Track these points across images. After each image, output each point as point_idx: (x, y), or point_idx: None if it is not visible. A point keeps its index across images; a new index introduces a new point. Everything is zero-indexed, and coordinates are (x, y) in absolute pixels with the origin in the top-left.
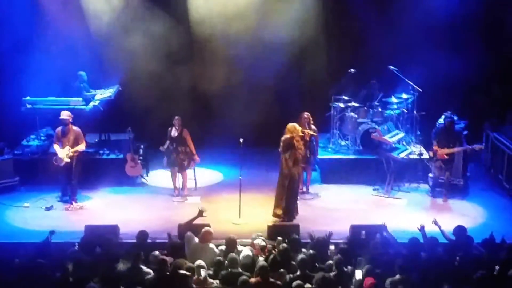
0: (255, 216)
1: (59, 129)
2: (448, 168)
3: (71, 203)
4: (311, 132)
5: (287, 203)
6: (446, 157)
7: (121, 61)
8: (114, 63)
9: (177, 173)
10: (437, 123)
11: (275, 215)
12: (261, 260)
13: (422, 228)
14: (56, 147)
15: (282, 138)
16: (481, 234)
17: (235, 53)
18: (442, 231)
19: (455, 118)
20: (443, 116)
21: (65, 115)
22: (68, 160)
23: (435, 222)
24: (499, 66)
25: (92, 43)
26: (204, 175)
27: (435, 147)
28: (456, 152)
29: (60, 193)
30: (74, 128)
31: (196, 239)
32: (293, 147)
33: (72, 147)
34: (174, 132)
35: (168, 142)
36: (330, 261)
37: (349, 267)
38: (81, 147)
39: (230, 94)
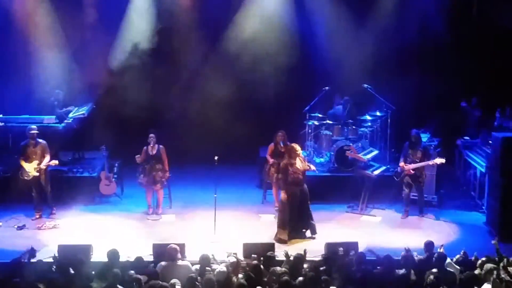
0: (231, 234)
1: (24, 143)
2: (416, 184)
3: (53, 212)
4: (310, 166)
5: (292, 224)
6: (412, 172)
7: (95, 79)
8: (88, 81)
9: (152, 192)
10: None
11: (278, 240)
12: (240, 277)
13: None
14: (22, 162)
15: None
16: (454, 251)
17: (211, 71)
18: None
19: (428, 135)
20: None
21: (35, 129)
22: (37, 174)
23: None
24: (472, 84)
25: (66, 60)
26: (179, 192)
27: (401, 164)
28: (421, 166)
29: (34, 210)
30: (41, 141)
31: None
32: (288, 171)
33: (40, 161)
34: (151, 150)
35: (141, 161)
36: (301, 278)
37: (323, 284)
38: (47, 160)
39: (205, 111)
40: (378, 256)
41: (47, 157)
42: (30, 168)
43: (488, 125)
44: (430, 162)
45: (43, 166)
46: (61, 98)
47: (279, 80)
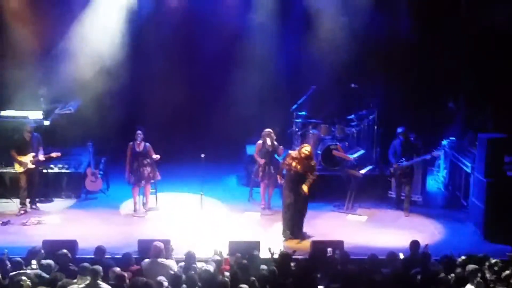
0: (217, 231)
1: (18, 137)
2: (407, 181)
3: (35, 206)
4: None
5: (294, 221)
6: (407, 170)
7: (83, 75)
8: (76, 77)
9: (138, 188)
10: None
11: (285, 235)
12: (226, 275)
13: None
14: (15, 155)
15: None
16: (439, 250)
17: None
18: None
19: (412, 135)
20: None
21: (32, 122)
22: (33, 166)
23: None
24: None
25: (53, 56)
26: (165, 190)
27: (395, 165)
28: (415, 164)
29: (20, 204)
30: (35, 134)
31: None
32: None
33: (36, 153)
34: (138, 147)
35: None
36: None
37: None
38: (42, 152)
39: (193, 108)
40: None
41: (41, 151)
42: (26, 160)
43: (475, 125)
44: (428, 156)
45: (42, 158)
46: (45, 94)
47: (266, 77)
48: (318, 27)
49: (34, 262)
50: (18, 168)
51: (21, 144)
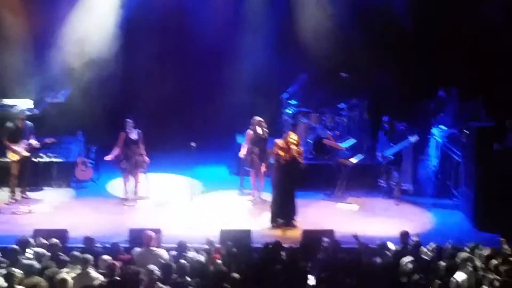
0: (208, 220)
1: (10, 125)
2: (396, 169)
3: (25, 195)
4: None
5: (285, 209)
6: (392, 157)
7: (72, 64)
8: (65, 66)
9: (129, 177)
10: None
11: (275, 222)
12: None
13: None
14: (8, 143)
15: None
16: (429, 239)
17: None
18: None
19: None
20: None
21: (24, 112)
22: (28, 154)
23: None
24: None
25: (43, 45)
26: (156, 179)
27: (381, 153)
28: (403, 151)
29: (10, 192)
30: (28, 123)
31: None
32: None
33: (28, 141)
34: (132, 135)
35: (118, 147)
36: (279, 266)
37: (301, 272)
38: (36, 141)
39: (183, 97)
40: (361, 242)
41: (33, 139)
42: (20, 149)
43: (465, 114)
44: (408, 141)
45: (36, 145)
46: (34, 82)
47: (256, 66)
48: (307, 14)
49: (28, 251)
50: (12, 156)
51: (14, 132)
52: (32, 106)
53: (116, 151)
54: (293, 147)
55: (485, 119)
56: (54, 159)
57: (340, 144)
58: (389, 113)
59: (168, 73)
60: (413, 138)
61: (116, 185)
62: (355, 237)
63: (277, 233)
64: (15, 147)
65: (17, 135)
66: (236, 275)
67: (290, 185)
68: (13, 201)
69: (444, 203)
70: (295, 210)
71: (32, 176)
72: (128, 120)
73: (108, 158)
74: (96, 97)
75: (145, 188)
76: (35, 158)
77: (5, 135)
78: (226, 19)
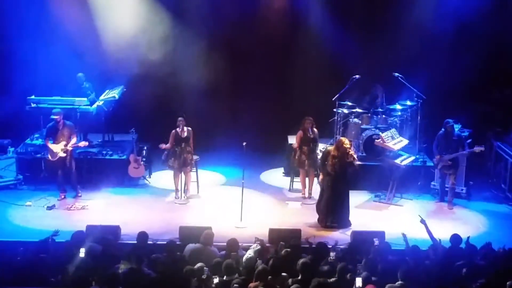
0: (257, 220)
1: (50, 125)
2: (452, 173)
3: (78, 195)
4: (355, 156)
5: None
6: (449, 162)
7: (127, 62)
8: (120, 63)
9: (180, 175)
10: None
11: (323, 223)
12: (259, 264)
13: (404, 236)
14: (49, 143)
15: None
16: (483, 242)
17: (244, 54)
18: (428, 231)
19: (459, 126)
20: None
21: (56, 113)
22: (64, 155)
23: (422, 221)
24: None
25: (99, 44)
26: (206, 177)
27: (437, 156)
28: (459, 156)
29: (59, 190)
30: (67, 123)
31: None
32: (326, 161)
33: (67, 142)
34: (183, 133)
35: (170, 144)
36: (327, 267)
37: (349, 274)
38: (74, 141)
39: (235, 97)
40: (408, 244)
41: (74, 139)
42: (57, 149)
43: None
44: (469, 150)
45: (69, 147)
46: (83, 80)
47: (309, 66)
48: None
49: (82, 250)
50: (50, 157)
51: (54, 133)
52: (87, 104)
53: (167, 147)
54: (351, 152)
55: None
56: (108, 156)
57: (392, 145)
58: (444, 116)
59: (220, 72)
60: (477, 149)
61: (167, 183)
62: (404, 238)
63: (325, 233)
64: (52, 147)
65: (56, 135)
66: (284, 274)
67: (343, 187)
68: (63, 197)
69: (498, 207)
70: (347, 212)
71: (85, 173)
72: (179, 118)
73: (161, 146)
74: (149, 95)
75: (196, 186)
76: (90, 156)
77: (46, 135)
78: (281, 17)
